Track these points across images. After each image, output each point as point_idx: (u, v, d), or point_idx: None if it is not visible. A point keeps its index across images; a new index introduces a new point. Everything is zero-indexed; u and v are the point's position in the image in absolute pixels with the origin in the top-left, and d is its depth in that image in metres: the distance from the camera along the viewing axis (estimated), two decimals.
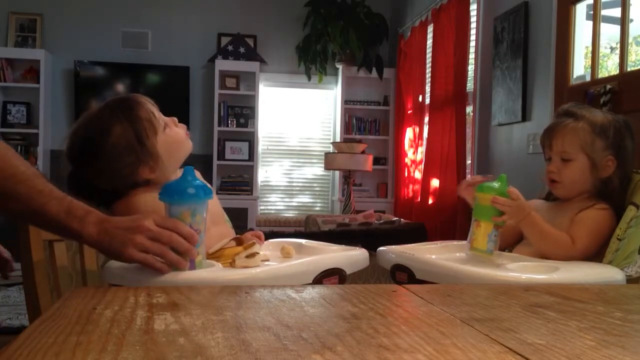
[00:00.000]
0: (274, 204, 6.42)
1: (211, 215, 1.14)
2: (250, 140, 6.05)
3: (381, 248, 1.39)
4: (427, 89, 5.24)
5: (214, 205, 1.32)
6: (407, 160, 5.63)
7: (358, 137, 6.09)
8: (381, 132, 6.24)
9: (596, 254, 1.31)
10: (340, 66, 6.12)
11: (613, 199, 1.35)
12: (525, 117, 3.61)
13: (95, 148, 1.23)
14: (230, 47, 5.97)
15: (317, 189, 6.51)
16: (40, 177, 1.05)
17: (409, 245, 1.44)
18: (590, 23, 3.05)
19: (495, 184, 1.33)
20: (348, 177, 5.48)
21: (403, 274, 1.26)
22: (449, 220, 4.49)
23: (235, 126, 6.00)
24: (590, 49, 3.07)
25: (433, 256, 1.35)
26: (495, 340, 0.64)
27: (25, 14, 5.79)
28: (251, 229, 1.46)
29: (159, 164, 1.25)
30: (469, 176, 4.40)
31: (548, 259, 1.28)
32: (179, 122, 1.34)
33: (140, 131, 1.24)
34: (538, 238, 1.32)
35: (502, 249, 1.42)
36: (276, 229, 5.55)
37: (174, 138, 1.28)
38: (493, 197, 1.29)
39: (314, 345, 0.61)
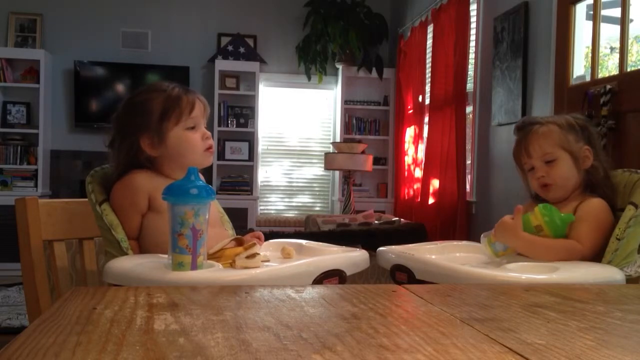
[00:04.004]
0: (274, 204, 6.42)
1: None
2: (250, 140, 6.05)
3: (381, 248, 1.39)
4: (427, 88, 5.24)
5: (212, 208, 1.33)
6: (407, 160, 5.63)
7: (358, 137, 6.09)
8: (381, 132, 6.24)
9: (599, 251, 1.30)
10: (340, 66, 6.12)
11: (600, 187, 1.38)
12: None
13: (133, 97, 1.35)
14: (230, 47, 5.97)
15: (317, 189, 6.51)
16: None
17: (409, 245, 1.44)
18: (590, 23, 3.05)
19: (557, 219, 1.31)
20: (348, 177, 5.47)
21: (403, 274, 1.26)
22: (449, 220, 4.49)
23: (235, 126, 6.00)
24: (590, 49, 3.07)
25: (433, 256, 1.35)
26: (495, 340, 0.64)
27: (25, 14, 5.79)
28: (251, 230, 1.47)
29: (160, 147, 1.31)
30: (468, 177, 4.42)
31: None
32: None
33: (167, 109, 1.32)
34: (540, 252, 1.30)
35: None
36: (276, 229, 5.55)
37: (187, 141, 1.33)
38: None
39: (314, 345, 0.61)
